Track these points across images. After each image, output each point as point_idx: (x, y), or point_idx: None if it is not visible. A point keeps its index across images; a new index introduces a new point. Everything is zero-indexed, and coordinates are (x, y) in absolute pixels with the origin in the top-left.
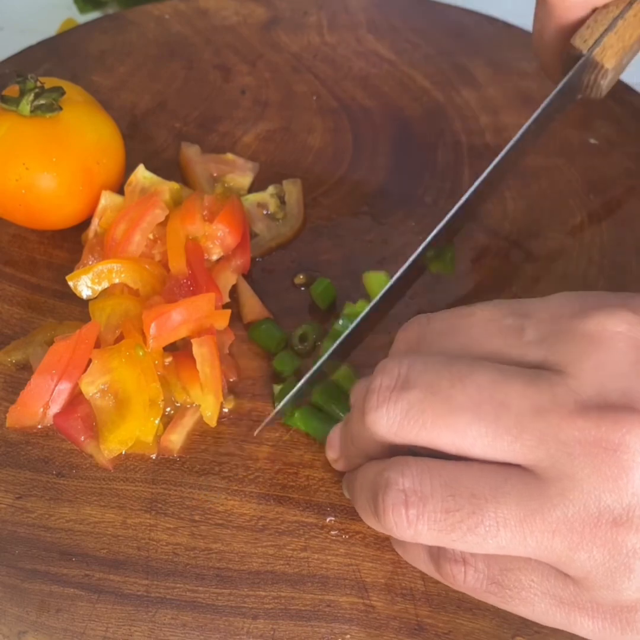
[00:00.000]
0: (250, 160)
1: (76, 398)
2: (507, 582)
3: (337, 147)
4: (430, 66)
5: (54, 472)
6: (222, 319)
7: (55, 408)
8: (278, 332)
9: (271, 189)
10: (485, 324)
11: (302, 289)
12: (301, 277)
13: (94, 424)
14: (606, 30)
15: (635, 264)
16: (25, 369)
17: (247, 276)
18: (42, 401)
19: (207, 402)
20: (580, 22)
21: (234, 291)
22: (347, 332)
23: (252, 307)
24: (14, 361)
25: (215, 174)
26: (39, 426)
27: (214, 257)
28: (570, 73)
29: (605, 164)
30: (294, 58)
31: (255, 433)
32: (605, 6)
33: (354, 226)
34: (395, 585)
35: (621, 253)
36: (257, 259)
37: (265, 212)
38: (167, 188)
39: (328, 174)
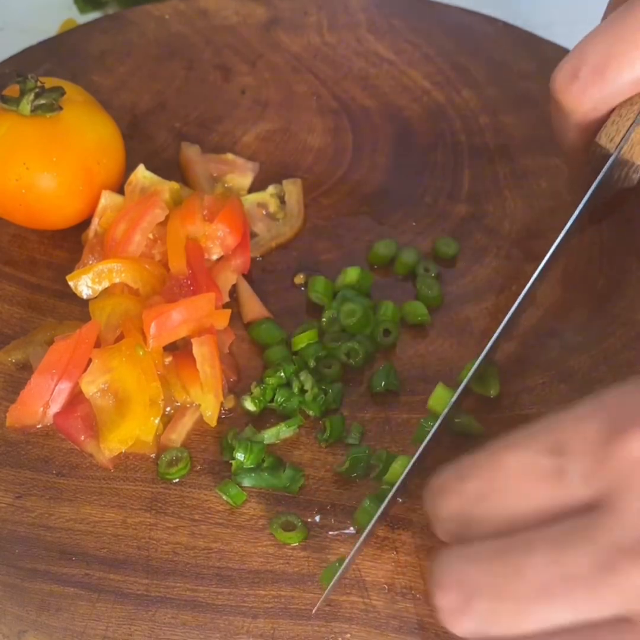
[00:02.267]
0: (250, 160)
1: (76, 397)
2: None
3: (337, 147)
4: (430, 66)
5: (54, 472)
6: (222, 319)
7: (55, 407)
8: (278, 332)
9: (271, 189)
10: (522, 472)
11: (302, 288)
12: (301, 277)
13: (94, 423)
14: (632, 124)
15: (636, 264)
16: (25, 369)
17: (247, 276)
18: (42, 400)
19: (207, 402)
20: (603, 120)
21: (233, 291)
22: (390, 494)
23: (252, 306)
24: (14, 361)
25: (215, 174)
26: (39, 426)
27: (214, 257)
28: (601, 175)
29: None
30: (294, 58)
31: (314, 611)
32: (628, 99)
33: (354, 226)
34: (396, 584)
35: (621, 253)
36: (257, 259)
37: (265, 212)
38: (167, 188)
39: (328, 174)
